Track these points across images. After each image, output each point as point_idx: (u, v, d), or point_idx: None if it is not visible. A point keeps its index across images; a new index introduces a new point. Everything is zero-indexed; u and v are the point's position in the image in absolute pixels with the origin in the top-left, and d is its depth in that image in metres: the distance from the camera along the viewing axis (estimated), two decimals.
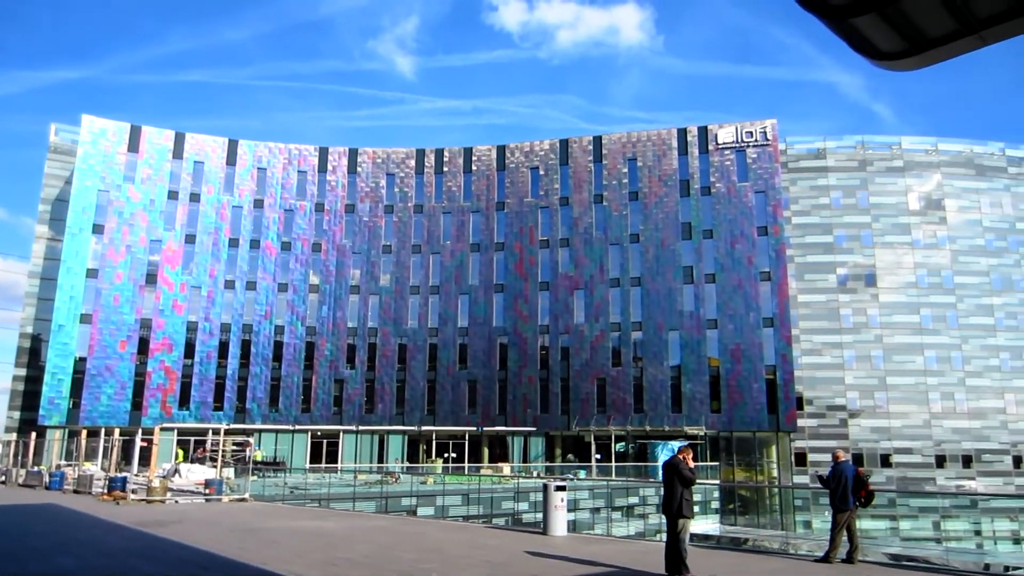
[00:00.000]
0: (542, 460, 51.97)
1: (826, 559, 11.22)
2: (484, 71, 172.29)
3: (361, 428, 52.47)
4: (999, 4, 3.29)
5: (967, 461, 54.93)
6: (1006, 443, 55.52)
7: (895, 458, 54.34)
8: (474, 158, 57.20)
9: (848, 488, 11.21)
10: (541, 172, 55.87)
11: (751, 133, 52.61)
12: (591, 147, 55.44)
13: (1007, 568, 31.24)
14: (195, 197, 53.31)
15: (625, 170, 54.28)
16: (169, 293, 51.15)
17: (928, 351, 56.13)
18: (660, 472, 11.27)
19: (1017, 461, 55.37)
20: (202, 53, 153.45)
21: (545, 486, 14.92)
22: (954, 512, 52.12)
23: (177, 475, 32.25)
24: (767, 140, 52.35)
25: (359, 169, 56.97)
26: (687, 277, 51.25)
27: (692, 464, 9.76)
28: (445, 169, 57.20)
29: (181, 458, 38.78)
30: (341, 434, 52.08)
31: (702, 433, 48.92)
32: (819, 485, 12.01)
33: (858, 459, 51.90)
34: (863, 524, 37.66)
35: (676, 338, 50.60)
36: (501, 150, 57.15)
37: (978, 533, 52.25)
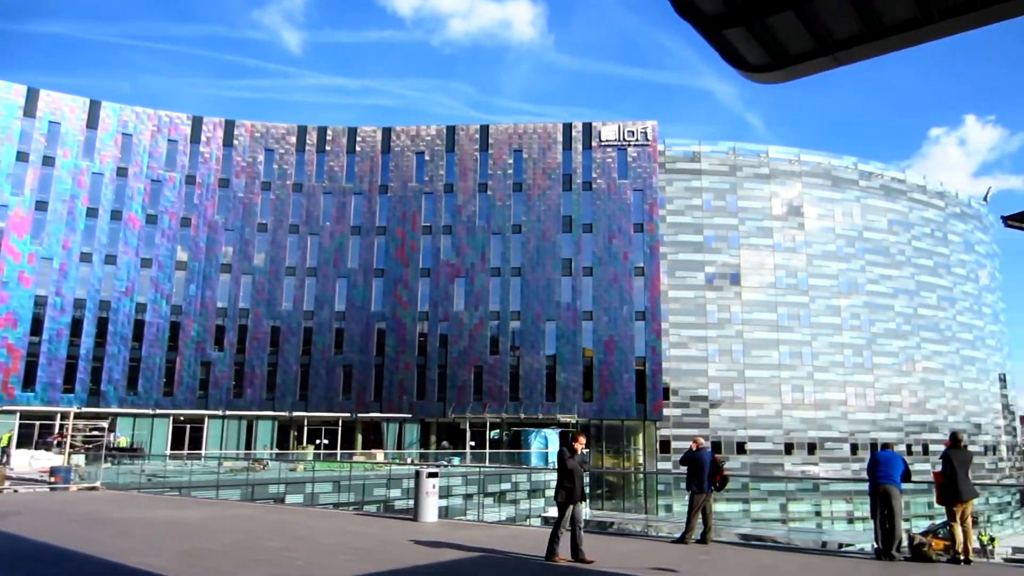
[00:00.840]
0: (417, 447, 52.96)
1: (682, 540, 12.13)
2: (373, 51, 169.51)
3: (228, 413, 51.39)
4: (852, 28, 3.72)
5: (812, 448, 60.87)
6: (845, 432, 62.01)
7: (749, 445, 59.38)
8: (359, 139, 57.05)
9: (705, 473, 12.04)
10: (427, 157, 56.57)
11: (632, 133, 55.66)
12: (478, 136, 56.71)
13: (841, 545, 35.48)
14: (49, 160, 50.05)
15: (511, 161, 55.96)
16: (14, 264, 47.86)
17: (783, 347, 61.64)
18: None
19: (854, 448, 61.96)
20: (63, 2, 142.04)
21: (417, 472, 15.18)
22: (799, 495, 57.80)
23: (5, 460, 30.62)
24: (647, 140, 55.59)
25: (236, 142, 55.43)
26: (566, 269, 53.70)
27: (583, 449, 10.12)
28: (328, 148, 56.70)
29: (6, 440, 36.51)
30: (206, 419, 50.79)
31: (574, 421, 51.57)
32: (683, 469, 12.72)
33: (716, 447, 56.31)
34: (719, 507, 41.27)
35: (553, 328, 52.97)
36: (387, 132, 57.33)
37: (818, 514, 58.22)
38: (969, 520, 10.37)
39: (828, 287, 64.07)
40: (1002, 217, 6.09)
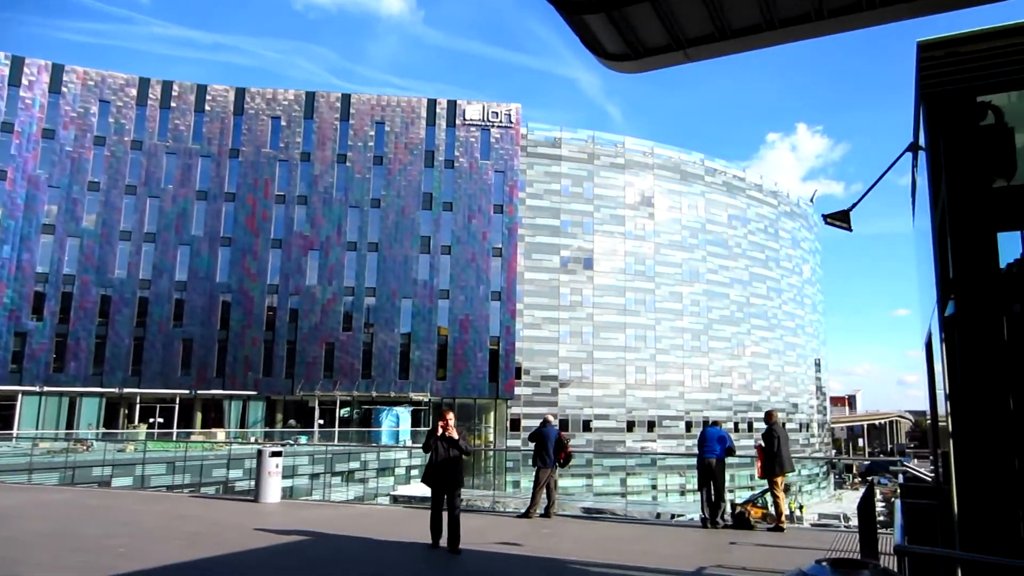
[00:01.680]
0: (261, 426, 51.82)
1: (526, 515, 12.59)
2: (229, 5, 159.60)
3: (47, 389, 47.65)
4: (703, 27, 3.93)
5: (651, 426, 65.81)
6: (681, 411, 67.54)
7: (595, 423, 63.22)
8: (208, 97, 54.26)
9: (550, 449, 12.63)
10: (283, 123, 54.90)
11: (497, 114, 57.01)
12: (339, 105, 55.75)
13: (673, 516, 38.96)
14: None
15: (372, 133, 55.56)
16: None
17: (629, 330, 65.94)
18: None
19: (688, 426, 67.62)
20: None
21: (259, 452, 14.82)
22: (637, 470, 62.32)
23: None
24: (511, 123, 57.17)
25: (64, 89, 50.91)
26: (424, 247, 54.36)
27: (448, 432, 9.61)
28: (173, 104, 53.48)
29: None
30: (20, 396, 46.83)
31: (427, 399, 52.61)
32: (532, 446, 13.16)
33: (564, 424, 59.53)
34: (564, 483, 43.88)
35: (408, 306, 53.55)
36: (240, 93, 54.94)
37: (655, 487, 63.13)
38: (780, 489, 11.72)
39: (673, 275, 69.14)
40: (823, 216, 6.68)
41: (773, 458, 11.50)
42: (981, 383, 4.05)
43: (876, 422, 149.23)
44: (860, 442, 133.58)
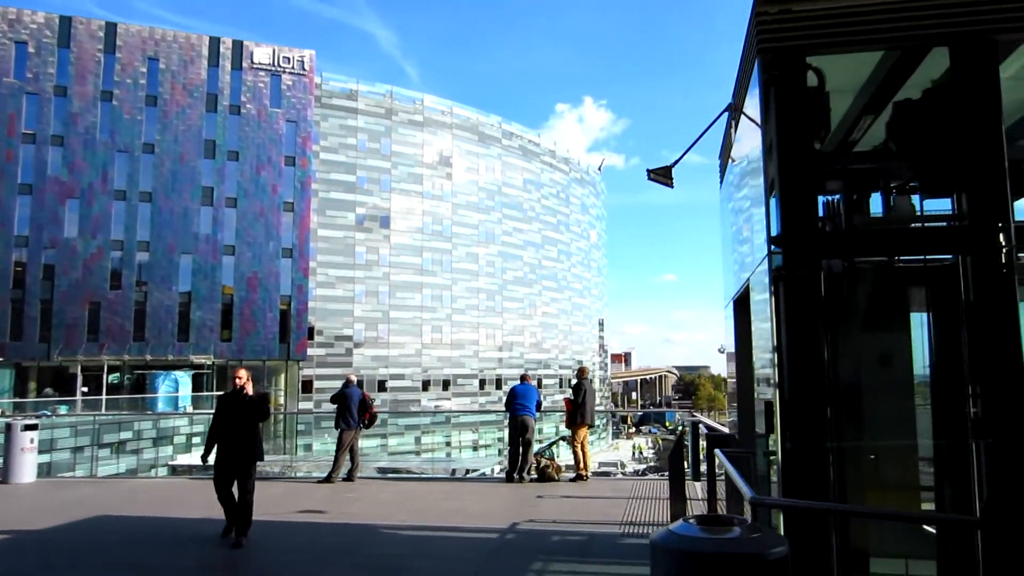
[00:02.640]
0: (10, 396, 46.43)
1: (328, 479, 12.46)
2: None
3: None
4: None
5: (446, 384, 68.05)
6: (476, 369, 70.52)
7: (390, 383, 64.10)
8: None
9: (354, 410, 12.68)
10: (31, 49, 48.40)
11: (288, 59, 54.68)
12: (103, 34, 50.22)
13: (468, 471, 40.95)
14: None
15: (144, 70, 50.84)
16: None
17: (426, 290, 67.25)
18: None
19: (482, 384, 70.87)
20: None
21: (8, 426, 13.63)
22: (432, 428, 64.41)
23: None
24: (304, 70, 55.14)
25: None
26: (206, 198, 51.19)
27: (246, 390, 8.44)
28: None
29: None
30: None
31: (210, 362, 50.18)
32: (328, 408, 13.40)
33: (359, 385, 59.70)
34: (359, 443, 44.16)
35: (188, 262, 50.35)
36: None
37: (448, 444, 65.67)
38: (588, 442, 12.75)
39: (469, 236, 71.34)
40: (647, 171, 6.63)
41: (578, 409, 12.48)
42: (804, 333, 4.43)
43: (647, 377, 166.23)
44: (633, 395, 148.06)
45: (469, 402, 68.56)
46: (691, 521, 3.24)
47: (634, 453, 61.54)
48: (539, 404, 12.80)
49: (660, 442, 78.37)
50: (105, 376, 48.21)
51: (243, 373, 8.58)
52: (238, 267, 51.43)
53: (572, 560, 7.36)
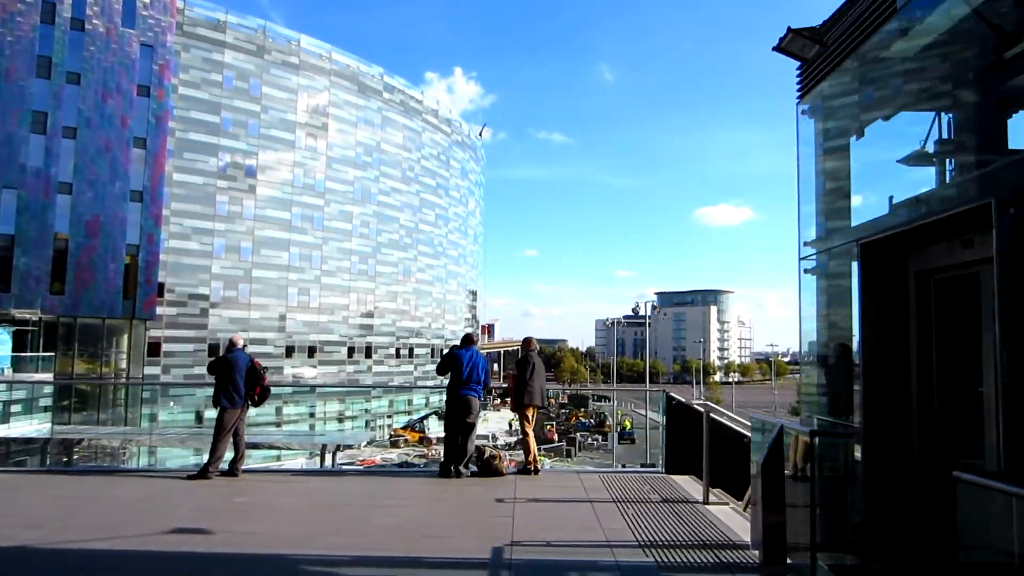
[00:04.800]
0: None
1: (203, 474, 9.50)
2: None
3: None
4: None
5: (312, 351, 64.07)
6: (345, 336, 66.93)
7: (250, 349, 59.18)
8: None
9: (239, 382, 9.68)
10: None
11: None
12: None
13: (339, 447, 38.15)
14: None
15: None
16: None
17: (294, 248, 62.62)
18: None
19: (350, 351, 67.45)
20: None
21: None
22: (295, 397, 60.57)
23: None
24: None
25: None
26: (38, 125, 43.99)
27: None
28: None
29: None
30: None
31: (37, 318, 43.63)
32: (208, 380, 10.21)
33: (214, 350, 54.64)
34: (209, 413, 40.04)
35: (12, 198, 43.24)
36: None
37: (312, 415, 62.09)
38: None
39: (344, 193, 67.15)
40: (776, 46, 5.99)
41: (524, 387, 10.15)
42: None
43: (510, 349, 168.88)
44: (495, 367, 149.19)
45: (336, 371, 65.09)
46: None
47: (510, 427, 60.83)
48: (487, 379, 10.29)
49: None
50: None
51: None
52: (75, 209, 44.88)
53: None
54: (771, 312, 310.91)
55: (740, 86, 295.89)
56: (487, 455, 10.05)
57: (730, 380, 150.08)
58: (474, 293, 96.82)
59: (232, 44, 58.91)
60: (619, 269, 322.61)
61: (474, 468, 9.94)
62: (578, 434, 65.87)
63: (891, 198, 5.53)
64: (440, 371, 10.31)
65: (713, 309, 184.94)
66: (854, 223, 5.66)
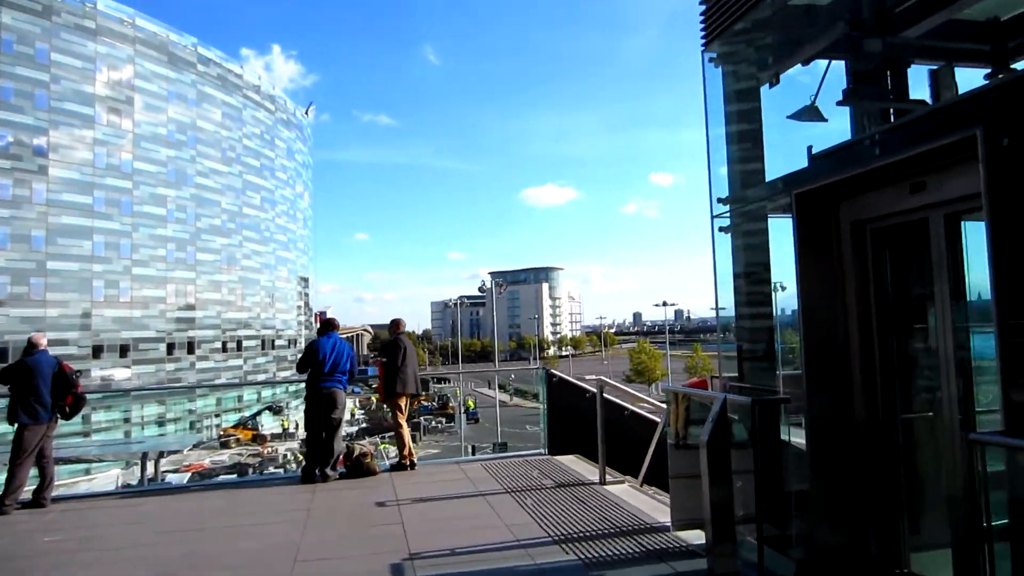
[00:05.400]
0: None
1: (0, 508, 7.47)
2: None
3: None
4: None
5: (124, 350, 58.24)
6: (163, 331, 61.46)
7: (50, 351, 52.91)
8: None
9: (44, 392, 7.83)
10: None
11: None
12: None
13: (162, 453, 34.74)
14: None
15: None
16: None
17: (97, 236, 56.38)
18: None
19: (170, 348, 62.13)
20: None
21: None
22: (106, 402, 54.75)
23: None
24: None
25: None
26: None
27: None
28: None
29: None
30: None
31: None
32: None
33: (2, 354, 48.10)
34: None
35: None
36: None
37: (127, 420, 56.45)
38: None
39: (155, 174, 61.36)
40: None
41: (396, 374, 9.27)
42: None
43: (344, 336, 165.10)
44: None
45: (155, 370, 59.80)
46: None
47: (352, 414, 58.86)
48: (353, 367, 9.17)
49: (374, 400, 76.88)
50: None
51: None
52: None
53: None
54: (597, 287, 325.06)
55: (563, 70, 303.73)
56: (357, 453, 9.00)
57: (564, 354, 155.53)
58: (306, 280, 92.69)
59: (12, 2, 51.54)
60: (451, 251, 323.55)
61: (342, 469, 8.88)
62: (421, 418, 65.03)
63: (810, 148, 5.25)
64: (301, 368, 9.15)
65: (545, 286, 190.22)
66: (778, 174, 5.33)
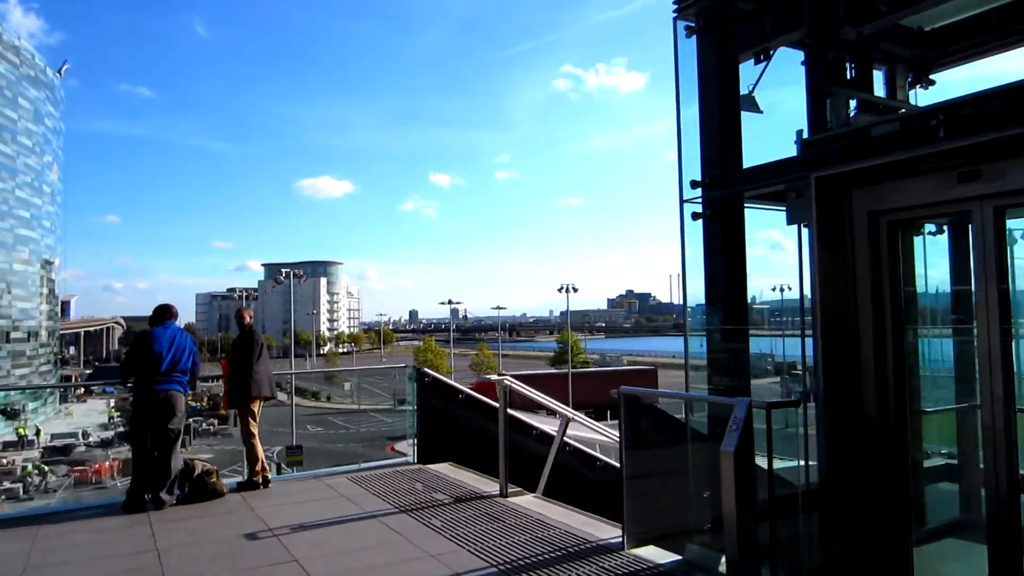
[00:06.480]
0: None
1: None
2: None
3: None
4: None
5: None
6: None
7: None
8: None
9: None
10: None
11: None
12: None
13: None
14: None
15: None
16: None
17: None
18: None
19: None
20: None
21: None
22: None
23: None
24: None
25: None
26: None
27: None
28: None
29: None
30: None
31: None
32: None
33: None
34: None
35: None
36: None
37: None
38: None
39: None
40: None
41: (249, 374, 7.79)
42: None
43: (92, 329, 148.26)
44: (72, 350, 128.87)
45: None
46: None
47: (111, 417, 52.57)
48: (196, 366, 7.42)
49: (130, 405, 69.27)
50: None
51: None
52: None
53: None
54: (374, 284, 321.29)
55: (345, 59, 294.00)
56: (200, 470, 7.33)
57: (343, 350, 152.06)
58: (51, 263, 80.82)
59: None
60: (216, 240, 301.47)
61: (178, 492, 7.17)
62: (191, 420, 59.64)
63: (799, 132, 4.99)
64: (128, 367, 7.32)
65: (323, 281, 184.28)
66: (761, 159, 4.99)
